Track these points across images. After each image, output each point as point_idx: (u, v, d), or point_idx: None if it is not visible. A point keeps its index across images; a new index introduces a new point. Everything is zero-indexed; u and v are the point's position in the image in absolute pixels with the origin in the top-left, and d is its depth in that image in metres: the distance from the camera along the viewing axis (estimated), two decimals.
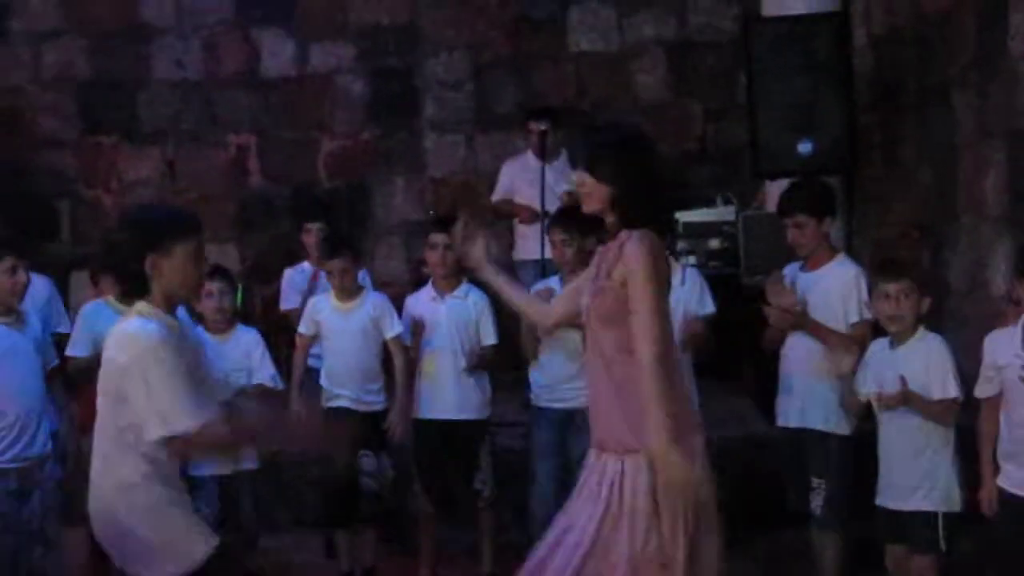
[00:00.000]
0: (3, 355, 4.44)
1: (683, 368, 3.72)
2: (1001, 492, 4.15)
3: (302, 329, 5.73)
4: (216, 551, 3.45)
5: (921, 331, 4.48)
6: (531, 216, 7.30)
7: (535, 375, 5.59)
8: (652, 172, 3.72)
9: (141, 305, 3.43)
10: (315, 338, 5.70)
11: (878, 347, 4.57)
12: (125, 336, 3.38)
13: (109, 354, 3.41)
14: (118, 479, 3.39)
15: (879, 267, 4.71)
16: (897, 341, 4.49)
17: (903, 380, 4.35)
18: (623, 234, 3.61)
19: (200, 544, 3.45)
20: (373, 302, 5.65)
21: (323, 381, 5.63)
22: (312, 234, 6.67)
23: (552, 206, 6.97)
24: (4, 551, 4.33)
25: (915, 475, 4.40)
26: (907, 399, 4.35)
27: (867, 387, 4.51)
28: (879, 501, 4.50)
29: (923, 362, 4.40)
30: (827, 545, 4.81)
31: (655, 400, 3.42)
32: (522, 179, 7.40)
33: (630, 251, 3.55)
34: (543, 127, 7.40)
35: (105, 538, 3.48)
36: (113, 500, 3.41)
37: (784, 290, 4.82)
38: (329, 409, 5.55)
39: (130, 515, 3.39)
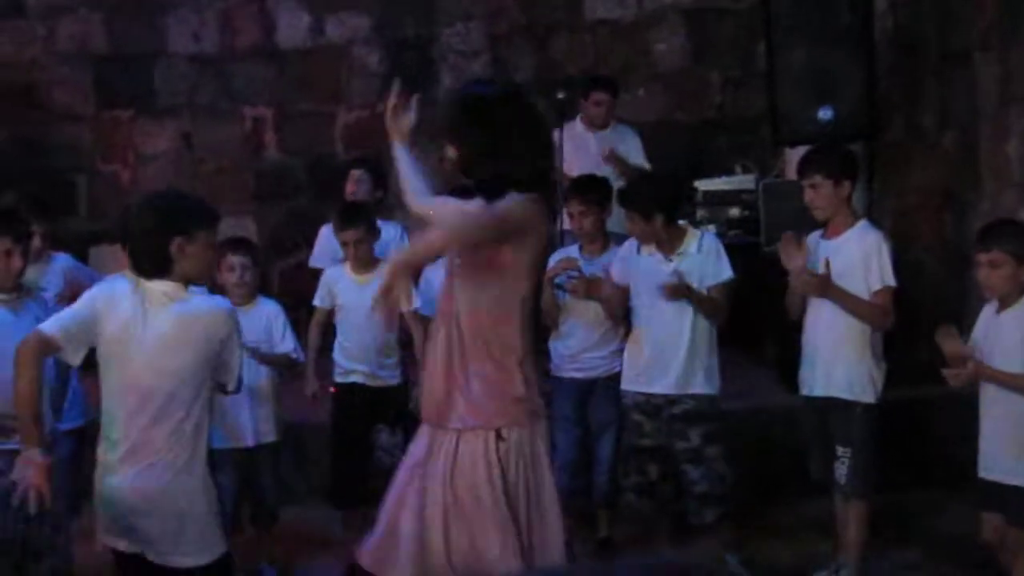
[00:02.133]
0: None
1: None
2: None
3: (317, 301, 5.68)
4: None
5: None
6: None
7: (556, 345, 5.56)
8: (503, 131, 3.44)
9: (171, 286, 3.66)
10: (332, 311, 5.66)
11: (988, 311, 4.41)
12: (214, 312, 3.72)
13: (196, 332, 3.66)
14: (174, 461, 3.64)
15: (979, 232, 4.53)
16: (1002, 306, 4.32)
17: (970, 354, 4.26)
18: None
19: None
20: None
21: (337, 355, 5.60)
22: (354, 182, 6.53)
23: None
24: (9, 529, 4.30)
25: (1013, 448, 4.24)
26: (979, 374, 4.26)
27: (975, 352, 4.33)
28: (980, 472, 4.34)
29: (1020, 331, 4.23)
30: (852, 515, 4.78)
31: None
32: (568, 148, 7.30)
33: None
34: (604, 96, 7.34)
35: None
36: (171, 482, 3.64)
37: (795, 250, 4.76)
38: (342, 384, 5.55)
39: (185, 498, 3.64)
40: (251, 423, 5.16)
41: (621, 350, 5.36)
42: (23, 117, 9.08)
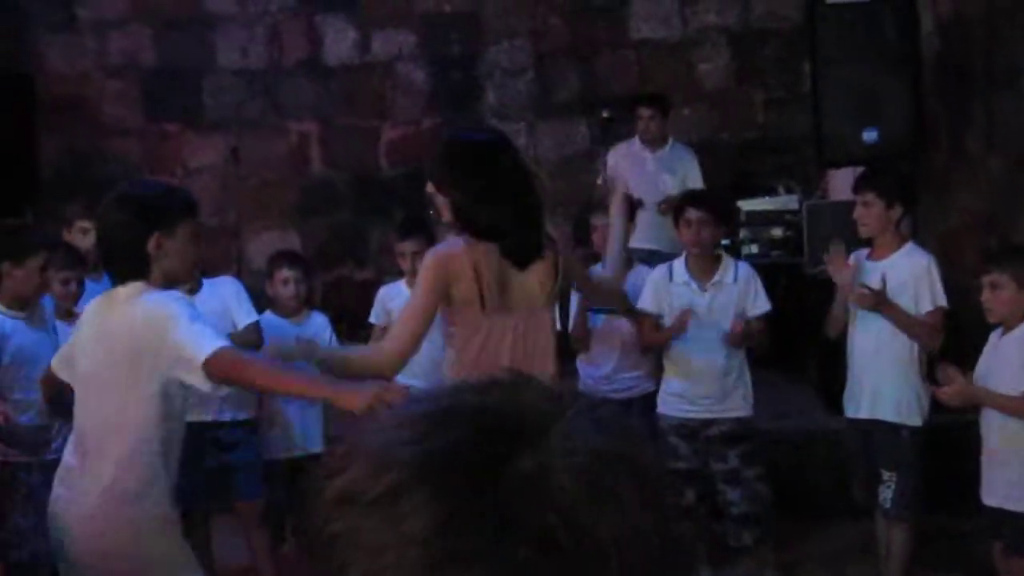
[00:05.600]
0: (19, 352, 4.49)
1: None
2: None
3: (373, 319, 5.62)
4: None
5: None
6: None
7: (586, 367, 5.51)
8: (490, 181, 3.55)
9: (139, 285, 3.29)
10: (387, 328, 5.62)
11: (995, 336, 4.39)
12: (148, 307, 3.24)
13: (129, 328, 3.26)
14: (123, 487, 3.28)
15: (983, 254, 4.56)
16: (1005, 330, 4.32)
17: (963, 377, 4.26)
18: None
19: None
20: None
21: None
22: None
23: (651, 196, 7.00)
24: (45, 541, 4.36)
25: (1010, 472, 4.23)
26: (977, 398, 4.25)
27: (978, 377, 4.33)
28: (982, 498, 4.33)
29: (1019, 354, 4.22)
30: (896, 539, 4.75)
31: None
32: (623, 165, 7.33)
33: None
34: (646, 111, 7.33)
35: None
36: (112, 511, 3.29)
37: (843, 263, 4.77)
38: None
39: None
40: (300, 432, 5.20)
41: (652, 370, 5.37)
42: (74, 130, 9.20)
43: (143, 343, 3.20)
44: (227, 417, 4.88)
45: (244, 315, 5.03)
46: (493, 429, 0.79)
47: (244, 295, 5.10)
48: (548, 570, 0.74)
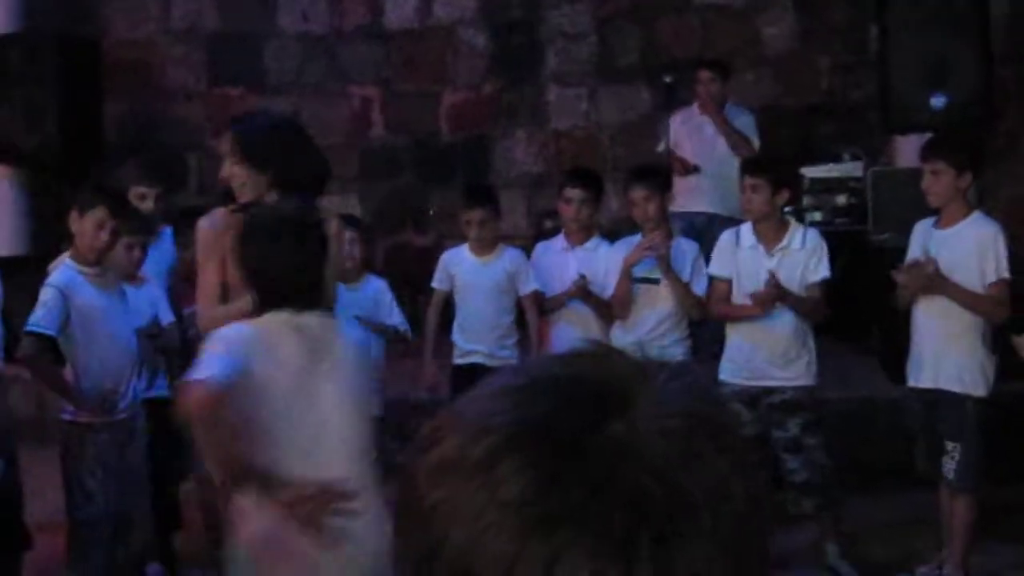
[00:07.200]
0: (80, 311, 4.39)
1: None
2: None
3: (436, 284, 5.68)
4: None
5: None
6: (682, 168, 7.18)
7: (620, 333, 5.43)
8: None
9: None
10: (450, 293, 5.65)
11: None
12: None
13: None
14: None
15: None
16: None
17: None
18: None
19: None
20: (511, 257, 5.63)
21: (455, 336, 5.61)
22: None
23: (709, 161, 6.95)
24: (111, 499, 4.46)
25: None
26: None
27: None
28: None
29: None
30: (958, 510, 4.71)
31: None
32: (682, 131, 7.28)
33: None
34: (705, 75, 7.24)
35: None
36: None
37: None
38: (462, 365, 5.55)
39: None
40: None
41: (687, 337, 5.34)
42: (138, 94, 9.29)
43: None
44: None
45: None
46: (583, 397, 0.81)
47: None
48: (641, 528, 0.76)
